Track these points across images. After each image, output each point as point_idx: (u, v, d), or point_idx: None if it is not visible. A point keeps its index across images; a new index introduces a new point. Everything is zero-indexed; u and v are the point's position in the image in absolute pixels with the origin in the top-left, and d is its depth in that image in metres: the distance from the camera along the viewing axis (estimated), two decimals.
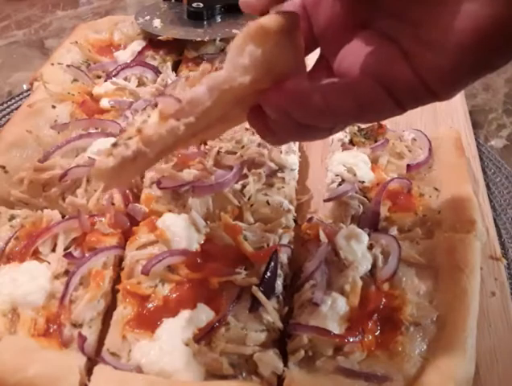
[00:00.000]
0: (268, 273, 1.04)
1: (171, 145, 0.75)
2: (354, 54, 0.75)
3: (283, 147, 1.34)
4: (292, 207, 1.24)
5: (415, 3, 0.67)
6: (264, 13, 0.75)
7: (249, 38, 0.69)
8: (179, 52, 1.75)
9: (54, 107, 1.42)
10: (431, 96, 0.70)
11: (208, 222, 1.19)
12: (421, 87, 0.68)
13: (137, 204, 1.22)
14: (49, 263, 1.09)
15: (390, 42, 0.70)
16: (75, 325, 1.01)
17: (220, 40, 1.72)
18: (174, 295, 1.05)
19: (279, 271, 1.08)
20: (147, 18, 1.79)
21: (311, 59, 0.86)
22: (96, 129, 1.39)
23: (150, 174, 1.26)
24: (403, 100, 0.71)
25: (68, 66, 1.58)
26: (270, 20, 0.69)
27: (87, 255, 1.10)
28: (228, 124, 0.90)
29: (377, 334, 1.00)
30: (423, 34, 0.66)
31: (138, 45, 1.72)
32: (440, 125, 1.54)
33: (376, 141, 1.39)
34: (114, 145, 0.72)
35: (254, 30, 0.69)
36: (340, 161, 1.31)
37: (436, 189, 1.27)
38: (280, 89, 0.73)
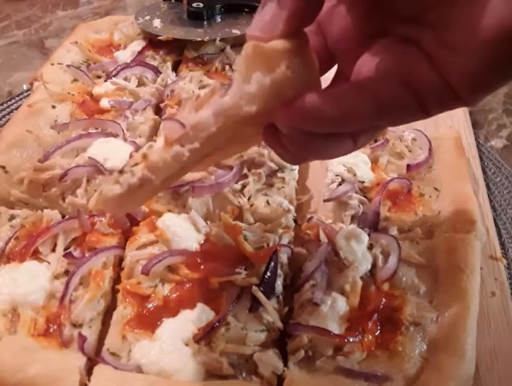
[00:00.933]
0: (268, 273, 1.04)
1: (177, 171, 0.73)
2: (373, 60, 0.71)
3: None
4: (292, 207, 1.24)
5: (432, 6, 0.64)
6: None
7: (256, 63, 0.64)
8: (179, 52, 1.75)
9: (54, 107, 1.42)
10: (457, 101, 0.66)
11: (208, 222, 1.19)
12: (447, 90, 0.65)
13: None
14: (49, 263, 1.09)
15: (411, 46, 0.67)
16: (75, 325, 1.01)
17: (220, 40, 1.71)
18: (174, 295, 1.05)
19: (279, 271, 1.08)
20: (147, 18, 1.79)
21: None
22: (96, 129, 1.39)
23: None
24: (428, 102, 0.67)
25: (68, 66, 1.58)
26: (276, 43, 0.65)
27: (87, 255, 1.10)
28: (242, 144, 0.86)
29: (377, 334, 1.00)
30: (446, 37, 0.64)
31: (138, 45, 1.72)
32: (440, 125, 1.53)
33: (376, 141, 1.39)
34: (121, 172, 0.70)
35: (258, 54, 0.64)
36: (340, 161, 1.31)
37: (436, 189, 1.27)
38: (289, 106, 0.68)
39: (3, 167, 1.26)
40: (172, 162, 0.69)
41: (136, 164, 0.70)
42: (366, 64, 0.73)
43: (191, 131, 0.68)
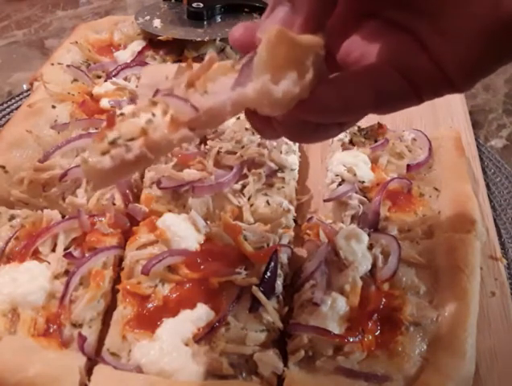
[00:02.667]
0: (268, 273, 1.04)
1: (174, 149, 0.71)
2: (365, 43, 0.71)
3: (283, 147, 1.34)
4: (292, 207, 1.24)
5: None
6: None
7: (280, 53, 0.61)
8: (179, 52, 1.75)
9: (54, 107, 1.42)
10: (451, 88, 0.67)
11: (208, 222, 1.19)
12: (441, 78, 0.65)
13: (137, 204, 1.22)
14: (49, 263, 1.09)
15: (404, 32, 0.67)
16: (75, 325, 1.01)
17: (220, 40, 1.72)
18: (174, 295, 1.05)
19: (279, 271, 1.08)
20: (147, 18, 1.80)
21: None
22: (96, 129, 1.38)
23: (150, 174, 1.26)
24: (422, 90, 0.68)
25: (68, 66, 1.59)
26: (306, 37, 0.61)
27: (87, 255, 1.10)
28: None
29: (377, 334, 1.00)
30: (440, 24, 0.64)
31: (138, 45, 1.72)
32: (440, 125, 1.53)
33: (376, 141, 1.39)
34: (112, 143, 0.64)
35: (283, 41, 0.60)
36: (340, 161, 1.31)
37: (436, 189, 1.27)
38: None
39: (3, 167, 1.26)
40: (177, 143, 0.65)
41: (132, 139, 0.64)
42: (358, 48, 0.72)
43: (203, 116, 0.64)
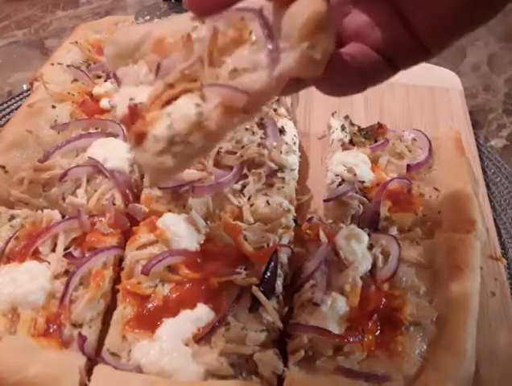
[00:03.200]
0: (268, 273, 1.05)
1: None
2: (355, 19, 0.76)
3: (283, 147, 1.34)
4: (292, 207, 1.24)
5: None
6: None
7: (317, 27, 0.65)
8: None
9: (54, 107, 1.42)
10: (426, 55, 0.73)
11: (208, 222, 1.19)
12: (417, 47, 0.71)
13: (137, 204, 1.22)
14: (49, 263, 1.09)
15: (388, 2, 0.72)
16: (75, 325, 1.01)
17: None
18: (174, 295, 1.05)
19: (279, 271, 1.08)
20: (147, 18, 1.79)
21: None
22: (96, 129, 1.39)
23: None
24: (399, 62, 0.74)
25: (68, 66, 1.58)
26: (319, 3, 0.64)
27: (87, 255, 1.10)
28: None
29: (377, 334, 1.00)
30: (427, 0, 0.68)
31: None
32: (440, 125, 1.54)
33: (376, 141, 1.39)
34: (171, 142, 0.64)
35: (318, 21, 0.64)
36: (340, 161, 1.31)
37: (436, 189, 1.27)
38: None
39: (3, 167, 1.26)
40: (233, 127, 0.68)
41: (188, 134, 0.65)
42: (350, 24, 0.77)
43: (253, 98, 0.66)
